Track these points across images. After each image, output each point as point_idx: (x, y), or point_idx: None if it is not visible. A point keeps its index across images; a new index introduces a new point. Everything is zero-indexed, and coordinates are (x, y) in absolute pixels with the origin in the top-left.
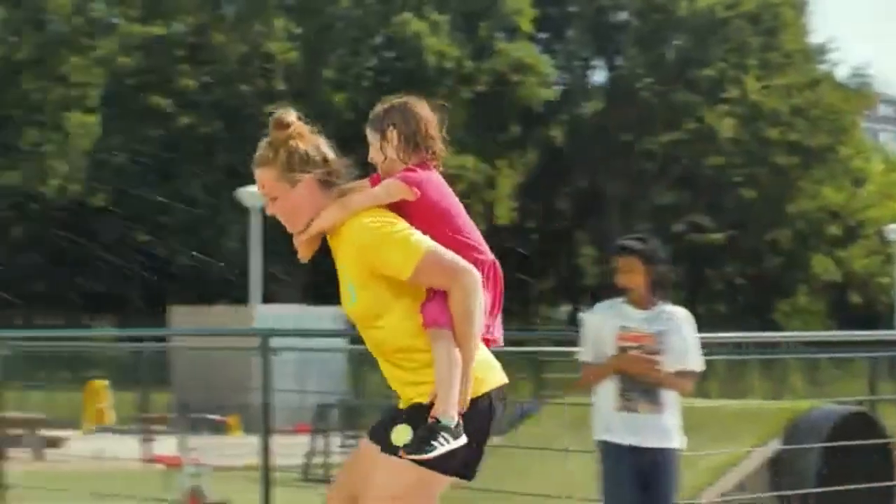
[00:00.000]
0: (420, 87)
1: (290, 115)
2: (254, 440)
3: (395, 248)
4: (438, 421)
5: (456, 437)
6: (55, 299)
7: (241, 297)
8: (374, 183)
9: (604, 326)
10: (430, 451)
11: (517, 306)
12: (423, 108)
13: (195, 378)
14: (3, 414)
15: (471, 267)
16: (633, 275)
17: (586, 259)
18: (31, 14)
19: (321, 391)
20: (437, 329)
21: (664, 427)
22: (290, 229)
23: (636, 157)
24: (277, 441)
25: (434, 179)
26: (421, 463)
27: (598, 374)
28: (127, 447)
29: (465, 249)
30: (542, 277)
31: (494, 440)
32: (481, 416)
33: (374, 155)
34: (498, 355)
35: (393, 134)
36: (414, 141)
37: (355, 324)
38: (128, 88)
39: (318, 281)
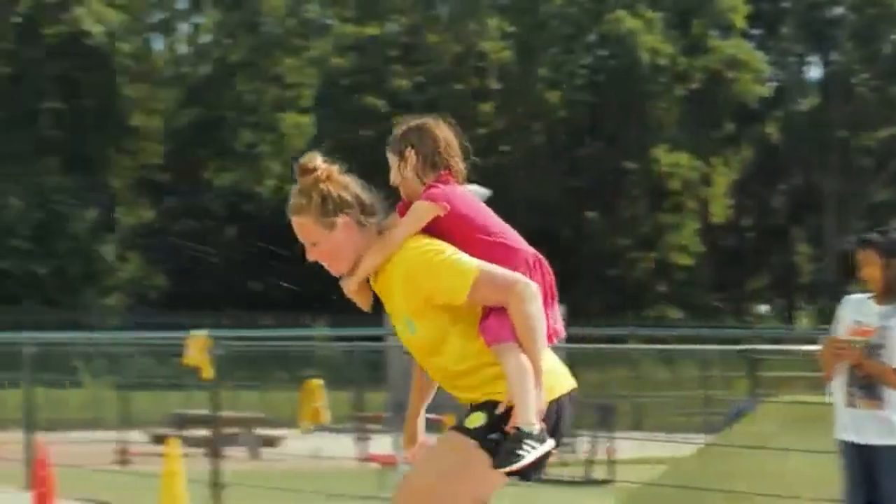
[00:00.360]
0: (633, 85)
1: (315, 160)
2: None
3: (446, 275)
4: (521, 430)
5: (541, 441)
6: (269, 299)
7: None
8: (402, 211)
9: (844, 319)
10: (519, 460)
11: (731, 304)
12: (440, 128)
13: (411, 377)
14: (218, 413)
15: (522, 277)
16: (870, 268)
17: (802, 257)
18: (246, 16)
19: None
20: (501, 344)
21: (884, 423)
22: (333, 273)
23: (852, 154)
24: None
25: (457, 190)
26: (513, 462)
27: (825, 365)
28: (342, 446)
29: (503, 250)
30: (757, 275)
31: (708, 439)
32: (552, 420)
33: (394, 177)
34: (709, 353)
35: (411, 154)
36: (432, 160)
37: (415, 355)
38: (341, 89)
39: None
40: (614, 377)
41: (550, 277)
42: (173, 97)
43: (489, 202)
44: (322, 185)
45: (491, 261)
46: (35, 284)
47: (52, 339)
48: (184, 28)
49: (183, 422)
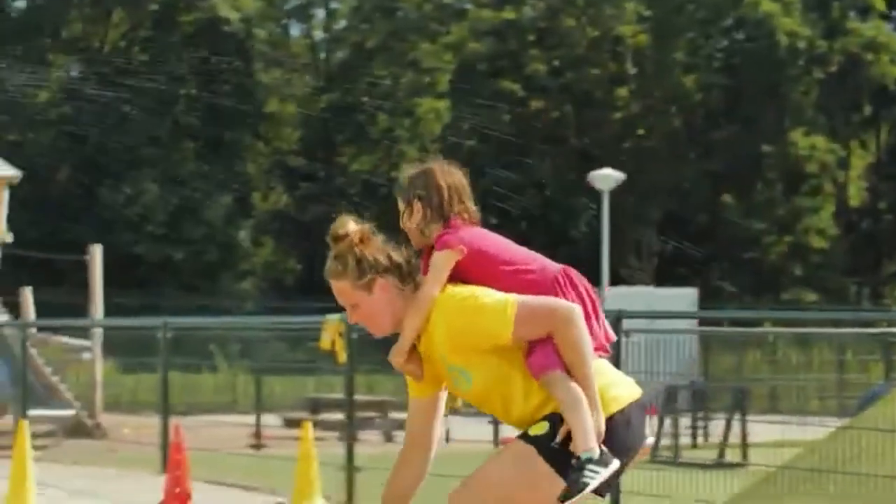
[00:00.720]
0: (771, 68)
1: (347, 226)
2: None
3: (486, 318)
4: (582, 458)
5: (605, 464)
6: None
7: (590, 280)
8: (425, 260)
9: None
10: (584, 488)
11: (867, 287)
12: (446, 176)
13: None
14: (353, 397)
15: (561, 301)
16: None
17: None
18: (382, 1)
19: (671, 373)
20: (548, 374)
21: None
22: (376, 334)
23: None
24: None
25: (469, 230)
26: (577, 492)
27: None
28: (476, 430)
29: (532, 277)
30: (893, 258)
31: (842, 422)
32: (618, 433)
33: (404, 223)
34: (844, 336)
35: (417, 206)
36: (440, 211)
37: (481, 406)
38: (478, 73)
39: (668, 265)
40: (749, 360)
41: (585, 287)
42: (309, 83)
43: (621, 187)
44: (356, 249)
45: (522, 291)
46: (171, 270)
47: (188, 324)
48: (320, 14)
49: (317, 406)
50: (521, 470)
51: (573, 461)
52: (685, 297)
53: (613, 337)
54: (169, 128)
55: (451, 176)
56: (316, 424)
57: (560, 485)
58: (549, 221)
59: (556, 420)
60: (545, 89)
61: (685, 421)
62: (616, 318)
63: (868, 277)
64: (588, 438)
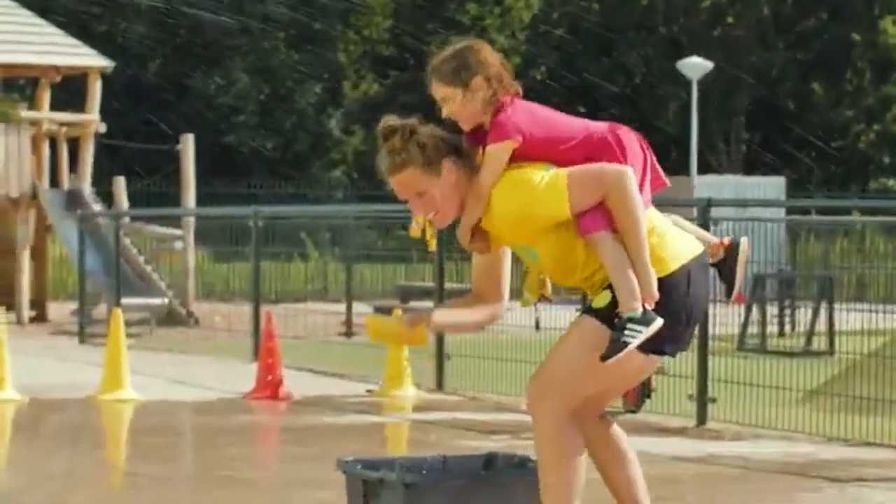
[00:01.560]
0: None
1: (391, 121)
2: None
3: (542, 200)
4: (622, 317)
5: (646, 323)
6: None
7: (679, 169)
8: (469, 141)
9: None
10: (623, 347)
11: None
12: (490, 50)
13: None
14: (442, 285)
15: (609, 166)
16: None
17: None
18: None
19: (758, 261)
20: (594, 234)
21: None
22: (438, 223)
23: None
24: (714, 310)
25: (521, 114)
26: (619, 350)
27: None
28: (568, 317)
29: (584, 148)
30: None
31: None
32: (678, 291)
33: (454, 109)
34: None
35: (480, 83)
36: (500, 84)
37: (547, 274)
38: None
39: (757, 152)
40: (837, 249)
41: (637, 141)
42: None
43: (710, 75)
44: (414, 138)
45: (575, 163)
46: (262, 159)
47: (279, 213)
48: None
49: (407, 294)
50: (586, 340)
51: (615, 321)
52: (773, 185)
53: (667, 183)
54: (259, 17)
55: (491, 50)
56: (406, 312)
57: (640, 357)
58: (638, 109)
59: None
60: None
61: (773, 309)
62: (705, 206)
63: None
64: (631, 298)
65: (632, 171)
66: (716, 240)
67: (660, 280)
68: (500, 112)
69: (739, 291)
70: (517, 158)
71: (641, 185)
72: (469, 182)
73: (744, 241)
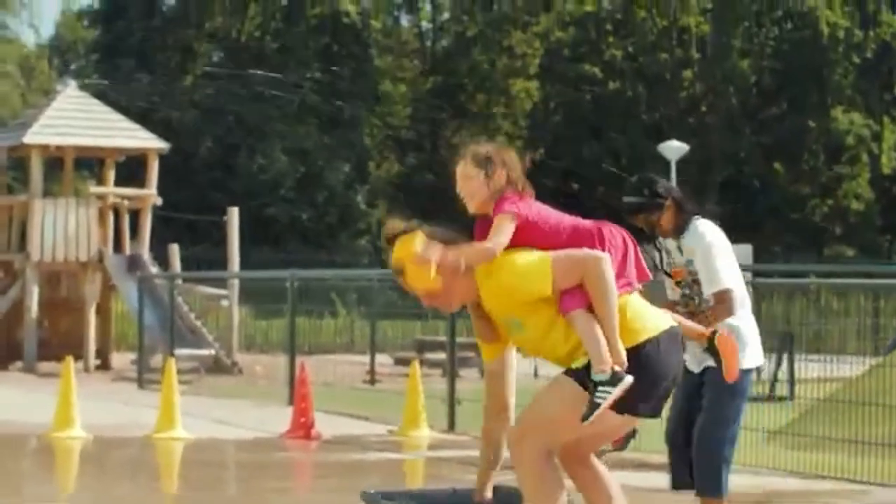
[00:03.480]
0: (815, 54)
1: (396, 225)
2: None
3: (529, 278)
4: (594, 380)
5: (614, 384)
6: None
7: None
8: (481, 227)
9: None
10: (597, 407)
11: None
12: (518, 156)
13: None
14: (454, 339)
15: (589, 252)
16: None
17: None
18: None
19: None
20: (570, 313)
21: None
22: (448, 309)
23: None
24: None
25: (523, 202)
26: (593, 411)
27: None
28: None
29: (572, 236)
30: None
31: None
32: (648, 358)
33: (476, 189)
34: (879, 286)
35: (501, 174)
36: (514, 182)
37: (527, 348)
38: (563, 58)
39: (726, 224)
40: (797, 307)
41: (621, 236)
42: (418, 66)
43: (686, 156)
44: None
45: (565, 247)
46: (298, 228)
47: (313, 276)
48: (427, 6)
49: (423, 346)
50: (562, 393)
51: (590, 384)
52: (742, 251)
53: (649, 276)
54: (296, 106)
55: (515, 155)
56: (422, 363)
57: (617, 418)
58: (623, 188)
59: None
60: (621, 72)
61: None
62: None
63: None
64: (600, 361)
65: (608, 257)
66: (702, 329)
67: (632, 348)
68: (506, 197)
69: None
70: (511, 245)
71: (621, 272)
72: (464, 274)
73: (718, 338)
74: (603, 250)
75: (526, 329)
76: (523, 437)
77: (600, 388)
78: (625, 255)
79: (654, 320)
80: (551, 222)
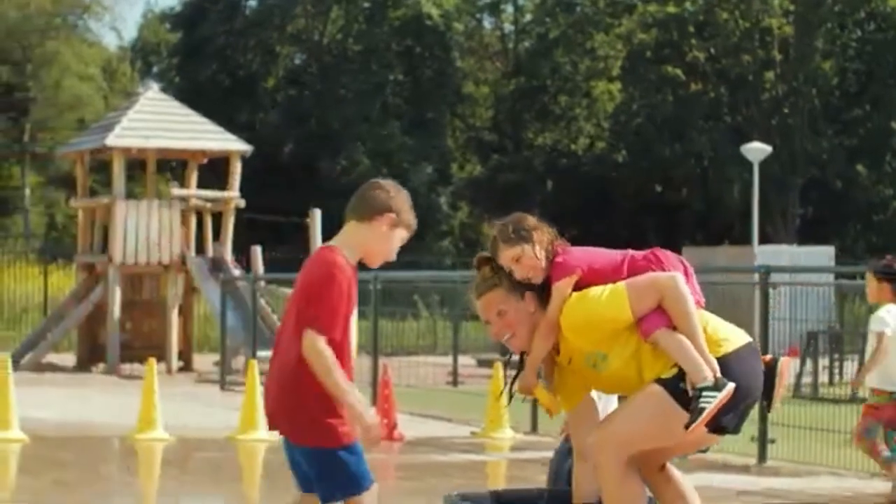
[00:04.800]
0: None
1: (486, 253)
2: None
3: (607, 307)
4: (696, 388)
5: (719, 389)
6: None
7: (742, 239)
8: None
9: None
10: (702, 412)
11: None
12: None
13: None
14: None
15: (659, 272)
16: None
17: None
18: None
19: (811, 319)
20: (656, 333)
21: None
22: (514, 349)
23: None
24: None
25: (572, 252)
26: (697, 416)
27: None
28: None
29: (630, 266)
30: None
31: None
32: (732, 369)
33: (528, 262)
34: None
35: (542, 237)
36: (551, 235)
37: (614, 388)
38: (645, 60)
39: (809, 224)
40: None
41: (677, 259)
42: (500, 68)
43: (769, 158)
44: (504, 269)
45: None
46: None
47: (396, 277)
48: (509, 9)
49: (505, 349)
50: (651, 406)
51: (691, 392)
52: (823, 254)
53: (702, 300)
54: (379, 108)
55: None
56: (505, 364)
57: (682, 416)
58: (706, 188)
59: (681, 369)
60: (704, 74)
61: (823, 361)
62: (765, 273)
63: None
64: (700, 370)
65: (680, 274)
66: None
67: (720, 359)
68: (557, 256)
69: (796, 346)
70: (576, 288)
71: (691, 290)
72: (538, 317)
73: (782, 362)
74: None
75: (610, 360)
76: (606, 444)
77: (705, 393)
78: (686, 273)
79: (735, 333)
80: (607, 259)
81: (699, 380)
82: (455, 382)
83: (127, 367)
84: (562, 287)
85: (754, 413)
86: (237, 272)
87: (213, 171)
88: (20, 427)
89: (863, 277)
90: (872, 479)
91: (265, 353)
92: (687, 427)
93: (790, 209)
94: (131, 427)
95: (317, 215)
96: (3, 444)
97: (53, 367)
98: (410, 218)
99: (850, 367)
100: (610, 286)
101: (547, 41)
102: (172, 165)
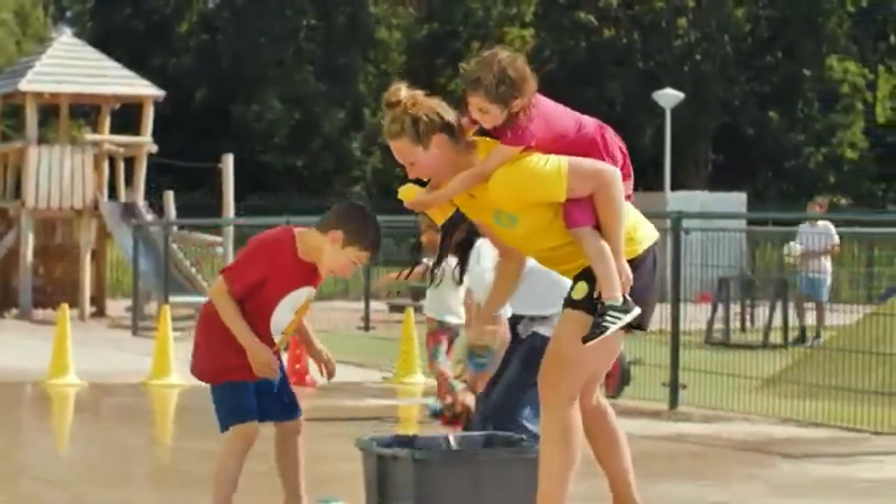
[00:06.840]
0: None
1: (400, 92)
2: (665, 308)
3: (545, 179)
4: (605, 303)
5: (625, 311)
6: None
7: (654, 185)
8: (468, 121)
9: None
10: (604, 330)
11: (892, 192)
12: (523, 61)
13: None
14: None
15: (604, 165)
16: None
17: None
18: None
19: (723, 266)
20: (581, 229)
21: None
22: (435, 182)
23: None
24: (684, 309)
25: (536, 119)
26: (598, 334)
27: None
28: None
29: (582, 145)
30: None
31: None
32: (647, 268)
33: (490, 121)
34: (872, 235)
35: (519, 104)
36: (529, 107)
37: (514, 243)
38: (558, 6)
39: (721, 170)
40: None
41: (618, 145)
42: (413, 14)
43: (681, 105)
44: (411, 111)
45: (570, 149)
46: (293, 175)
47: (307, 223)
48: None
49: (418, 294)
50: (574, 331)
51: (598, 306)
52: (735, 200)
53: (631, 195)
54: (292, 53)
55: (527, 68)
56: (416, 310)
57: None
58: (619, 134)
59: (591, 278)
60: (616, 20)
61: (735, 308)
62: (677, 219)
63: (893, 184)
64: (612, 287)
65: (619, 174)
66: None
67: (634, 259)
68: (521, 115)
69: (707, 292)
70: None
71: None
72: (459, 157)
73: None
74: (604, 160)
75: (518, 225)
76: (555, 384)
77: (611, 312)
78: (625, 166)
79: (649, 229)
80: (560, 128)
81: (610, 297)
82: (367, 328)
83: (40, 313)
84: (508, 153)
85: (665, 359)
86: (150, 217)
87: (127, 116)
88: None
89: (774, 224)
90: (782, 424)
91: (177, 299)
92: (584, 342)
93: (702, 155)
94: (44, 372)
95: (229, 160)
96: None
97: None
98: (363, 241)
99: (762, 313)
100: (553, 161)
101: None
102: (86, 111)
